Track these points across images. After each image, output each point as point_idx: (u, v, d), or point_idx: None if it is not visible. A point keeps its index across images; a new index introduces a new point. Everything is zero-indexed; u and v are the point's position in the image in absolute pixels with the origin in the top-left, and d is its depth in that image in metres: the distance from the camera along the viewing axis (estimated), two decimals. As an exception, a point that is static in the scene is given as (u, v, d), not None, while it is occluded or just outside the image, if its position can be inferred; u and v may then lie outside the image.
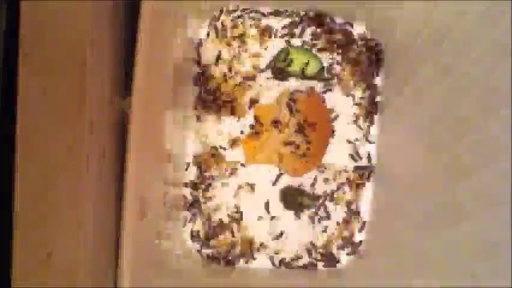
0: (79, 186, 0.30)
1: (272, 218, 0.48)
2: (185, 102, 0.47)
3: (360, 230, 0.48)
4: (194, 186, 0.47)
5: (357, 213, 0.48)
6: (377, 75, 0.49)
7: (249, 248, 0.47)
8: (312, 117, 0.48)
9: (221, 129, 0.48)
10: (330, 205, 0.48)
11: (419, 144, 0.43)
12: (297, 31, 0.49)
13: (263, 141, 0.48)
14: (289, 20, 0.48)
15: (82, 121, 0.30)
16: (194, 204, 0.47)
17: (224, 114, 0.48)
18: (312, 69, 0.48)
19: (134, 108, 0.31)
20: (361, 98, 0.49)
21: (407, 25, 0.44)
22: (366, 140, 0.49)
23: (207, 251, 0.47)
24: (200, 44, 0.48)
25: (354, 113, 0.49)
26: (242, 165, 0.48)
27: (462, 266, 0.36)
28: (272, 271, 0.48)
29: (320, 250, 0.48)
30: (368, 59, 0.49)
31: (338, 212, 0.48)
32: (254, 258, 0.48)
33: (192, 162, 0.47)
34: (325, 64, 0.49)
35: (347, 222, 0.48)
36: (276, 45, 0.48)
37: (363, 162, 0.49)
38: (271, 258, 0.48)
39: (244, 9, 0.48)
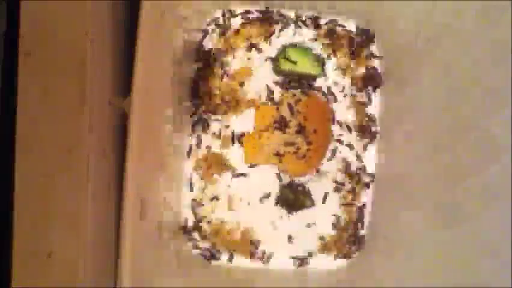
0: (79, 186, 0.30)
1: (271, 217, 0.48)
2: (185, 103, 0.47)
3: (360, 229, 0.48)
4: (193, 185, 0.47)
5: (356, 212, 0.48)
6: (377, 75, 0.49)
7: (248, 248, 0.47)
8: (312, 118, 0.48)
9: (221, 129, 0.48)
10: (330, 205, 0.48)
11: (419, 144, 0.43)
12: (296, 31, 0.48)
13: (263, 142, 0.48)
14: (289, 21, 0.48)
15: (82, 121, 0.30)
16: (192, 204, 0.47)
17: (224, 114, 0.48)
18: (312, 70, 0.48)
19: (134, 108, 0.31)
20: (361, 98, 0.49)
21: (407, 25, 0.44)
22: (366, 140, 0.49)
23: (205, 251, 0.47)
24: (200, 43, 0.48)
25: (354, 114, 0.49)
26: (242, 165, 0.48)
27: (462, 266, 0.36)
28: (272, 271, 0.48)
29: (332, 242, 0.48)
30: (368, 59, 0.49)
31: (338, 212, 0.48)
32: (252, 258, 0.48)
33: (191, 162, 0.47)
34: (325, 64, 0.49)
35: (347, 221, 0.48)
36: (276, 45, 0.48)
37: (363, 162, 0.49)
38: (269, 258, 0.48)
39: (245, 10, 0.48)
